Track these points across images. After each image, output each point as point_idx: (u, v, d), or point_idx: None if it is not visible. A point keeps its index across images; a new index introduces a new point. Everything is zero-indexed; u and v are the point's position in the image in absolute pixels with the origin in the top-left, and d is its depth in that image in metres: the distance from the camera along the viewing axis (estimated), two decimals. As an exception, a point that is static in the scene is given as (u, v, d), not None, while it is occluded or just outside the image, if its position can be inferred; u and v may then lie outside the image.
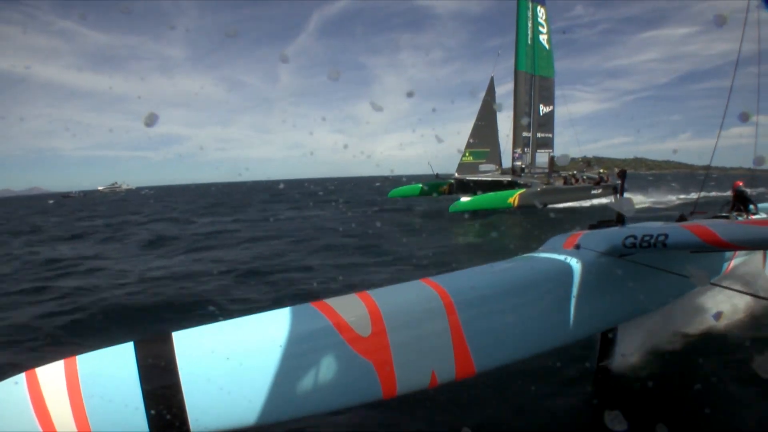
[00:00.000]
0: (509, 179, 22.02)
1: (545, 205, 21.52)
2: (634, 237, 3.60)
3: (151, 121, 3.22)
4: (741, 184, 8.08)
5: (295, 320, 2.56)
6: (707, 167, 6.60)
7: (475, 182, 22.07)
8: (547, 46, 25.63)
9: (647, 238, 3.52)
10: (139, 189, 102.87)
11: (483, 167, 22.72)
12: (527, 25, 24.47)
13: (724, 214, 7.15)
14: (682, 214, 6.52)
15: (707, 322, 5.45)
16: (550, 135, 25.17)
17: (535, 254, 3.96)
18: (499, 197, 19.58)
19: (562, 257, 3.71)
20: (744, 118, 4.16)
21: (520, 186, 20.89)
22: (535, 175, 23.17)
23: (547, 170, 24.30)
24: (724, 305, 5.78)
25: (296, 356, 2.46)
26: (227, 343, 2.41)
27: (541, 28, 25.39)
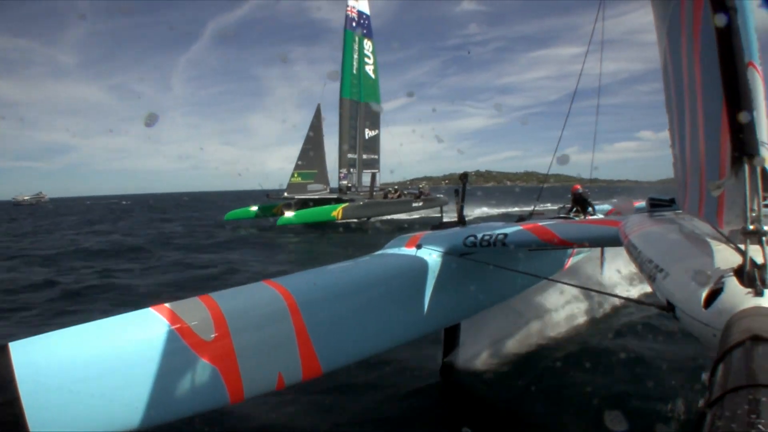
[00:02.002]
0: (336, 197, 24.16)
1: (368, 218, 24.10)
2: (474, 237, 3.73)
3: (151, 121, 3.20)
4: (579, 188, 8.69)
5: (135, 326, 2.47)
6: (545, 175, 7.00)
7: (305, 200, 23.84)
8: (372, 76, 28.36)
9: (487, 237, 3.66)
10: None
11: (311, 187, 24.58)
12: (353, 56, 26.96)
13: (562, 215, 7.59)
14: (521, 215, 6.73)
15: (548, 319, 5.74)
16: (376, 156, 27.98)
17: (378, 254, 4.06)
18: (324, 211, 21.49)
19: (404, 257, 3.80)
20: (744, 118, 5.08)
21: (344, 201, 22.97)
22: (360, 193, 25.71)
23: (378, 188, 27.14)
24: (562, 301, 6.07)
25: (138, 364, 2.36)
26: (67, 352, 2.30)
27: (367, 59, 28.06)
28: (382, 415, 4.05)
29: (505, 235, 3.62)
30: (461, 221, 4.63)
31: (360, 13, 27.16)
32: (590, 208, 8.41)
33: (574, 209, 8.48)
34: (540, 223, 3.94)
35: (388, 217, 25.29)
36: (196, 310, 2.62)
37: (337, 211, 21.59)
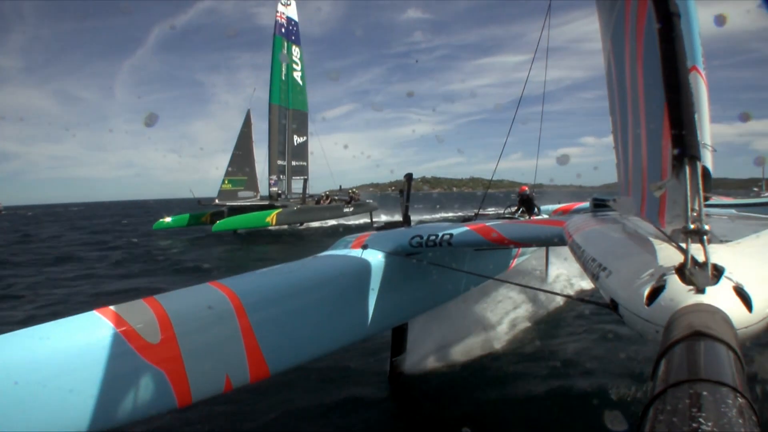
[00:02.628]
0: (267, 203, 23.67)
1: (301, 223, 23.82)
2: (420, 237, 3.76)
3: (151, 121, 3.11)
4: (525, 189, 8.78)
5: (79, 330, 2.39)
6: (489, 181, 7.04)
7: (237, 207, 23.06)
8: (300, 83, 27.97)
9: (433, 237, 3.69)
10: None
11: (242, 194, 23.99)
12: (281, 63, 26.51)
13: (508, 216, 7.79)
14: (467, 215, 7.01)
15: (497, 318, 5.84)
16: (305, 163, 27.59)
17: (324, 255, 4.04)
18: (259, 216, 21.30)
19: (350, 258, 3.78)
20: (744, 118, 4.23)
21: (277, 207, 22.72)
22: (291, 200, 25.31)
23: (304, 195, 26.84)
24: (507, 299, 6.17)
25: (82, 368, 2.29)
26: (8, 357, 2.21)
27: (295, 66, 27.61)
28: (330, 415, 4.07)
29: (451, 235, 3.65)
30: (406, 221, 4.65)
31: (289, 19, 26.71)
32: (536, 209, 8.56)
33: (520, 210, 8.65)
34: (486, 224, 3.99)
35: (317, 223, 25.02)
36: (141, 312, 2.57)
37: (271, 217, 21.58)
